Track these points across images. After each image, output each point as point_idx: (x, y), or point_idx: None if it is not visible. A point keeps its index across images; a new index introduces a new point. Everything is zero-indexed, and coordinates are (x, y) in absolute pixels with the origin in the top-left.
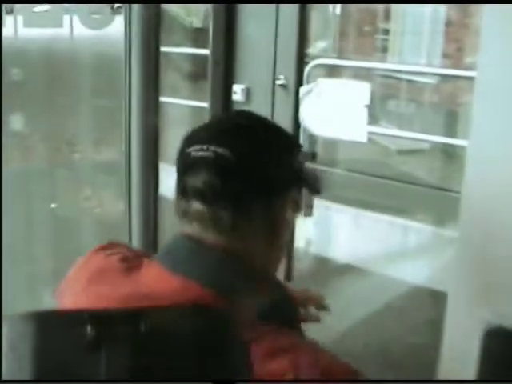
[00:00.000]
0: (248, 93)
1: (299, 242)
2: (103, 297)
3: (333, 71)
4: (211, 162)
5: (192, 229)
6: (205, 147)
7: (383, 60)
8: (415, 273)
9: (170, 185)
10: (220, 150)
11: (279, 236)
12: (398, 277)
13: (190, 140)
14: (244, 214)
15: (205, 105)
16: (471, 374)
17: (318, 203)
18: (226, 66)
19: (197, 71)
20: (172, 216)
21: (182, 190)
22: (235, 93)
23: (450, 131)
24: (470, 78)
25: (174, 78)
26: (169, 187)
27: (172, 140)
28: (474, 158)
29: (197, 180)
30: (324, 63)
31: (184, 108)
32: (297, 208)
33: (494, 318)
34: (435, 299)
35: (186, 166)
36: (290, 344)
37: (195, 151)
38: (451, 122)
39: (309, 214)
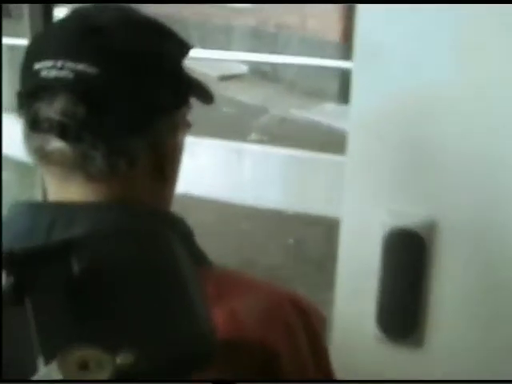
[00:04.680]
0: None
1: None
2: None
3: None
4: (70, 83)
5: (52, 176)
6: (59, 64)
7: None
8: (258, 196)
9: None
10: (81, 66)
11: (172, 166)
12: (242, 202)
13: (37, 51)
14: (124, 150)
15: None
16: (373, 283)
17: None
18: None
19: None
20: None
21: (33, 120)
22: None
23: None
24: None
25: None
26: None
27: None
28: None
29: (51, 109)
30: None
31: None
32: (188, 126)
33: (392, 219)
34: (279, 220)
35: (34, 89)
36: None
37: (46, 69)
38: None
39: None
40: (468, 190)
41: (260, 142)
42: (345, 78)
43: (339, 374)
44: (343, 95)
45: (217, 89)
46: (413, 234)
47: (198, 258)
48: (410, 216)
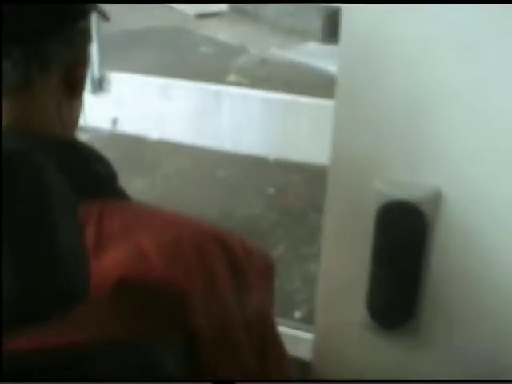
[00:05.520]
0: None
1: (100, 122)
2: None
3: None
4: None
5: None
6: None
7: None
8: (236, 142)
9: None
10: None
11: (81, 80)
12: (220, 148)
13: None
14: (36, 55)
15: None
16: (365, 264)
17: (117, 77)
18: None
19: None
20: None
21: None
22: None
23: None
24: None
25: None
26: None
27: None
28: None
29: None
30: None
31: None
32: (90, 41)
33: (387, 190)
34: (259, 167)
35: None
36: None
37: None
38: None
39: (104, 88)
40: (473, 158)
41: (239, 83)
42: (328, 15)
43: (326, 365)
44: (327, 34)
45: (194, 27)
46: (412, 208)
47: (106, 190)
48: (409, 186)
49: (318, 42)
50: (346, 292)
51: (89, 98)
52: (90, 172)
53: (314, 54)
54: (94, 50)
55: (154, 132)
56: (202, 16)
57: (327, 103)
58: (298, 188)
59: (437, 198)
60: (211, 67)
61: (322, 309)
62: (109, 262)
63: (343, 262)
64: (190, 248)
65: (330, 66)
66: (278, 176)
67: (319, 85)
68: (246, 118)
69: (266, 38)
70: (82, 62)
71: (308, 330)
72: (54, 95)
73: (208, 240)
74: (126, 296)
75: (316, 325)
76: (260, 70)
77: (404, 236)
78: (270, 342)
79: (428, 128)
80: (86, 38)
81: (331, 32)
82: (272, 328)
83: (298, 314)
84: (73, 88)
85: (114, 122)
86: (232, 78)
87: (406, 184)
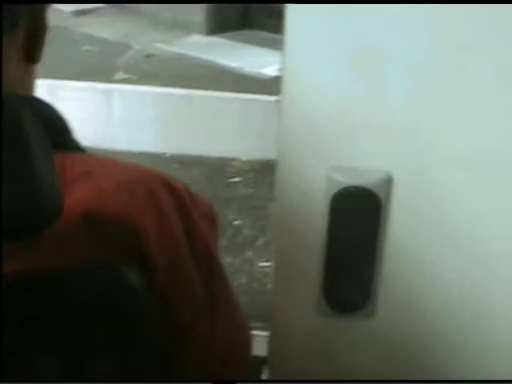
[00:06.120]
0: None
1: None
2: None
3: None
4: None
5: None
6: None
7: None
8: (131, 140)
9: None
10: None
11: (41, 49)
12: (114, 147)
13: None
14: (8, 13)
15: None
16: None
17: None
18: None
19: None
20: None
21: None
22: None
23: None
24: None
25: None
26: None
27: None
28: None
29: None
30: None
31: None
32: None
33: (338, 177)
34: (157, 163)
35: None
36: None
37: None
38: None
39: None
40: (420, 143)
41: (128, 81)
42: (211, 7)
43: (281, 350)
44: (210, 26)
45: (72, 26)
46: (366, 193)
47: (67, 143)
48: (361, 172)
49: (203, 35)
50: (301, 281)
51: None
52: (52, 127)
53: (199, 47)
54: None
55: None
56: (79, 13)
57: (218, 95)
58: (199, 182)
59: (389, 183)
60: (97, 66)
61: (277, 300)
62: (73, 200)
63: (297, 253)
64: (143, 190)
65: (217, 58)
66: (177, 171)
67: (207, 77)
68: (138, 116)
69: (149, 32)
70: (42, 27)
71: None
72: (17, 57)
73: (158, 184)
74: (92, 228)
75: (271, 315)
76: (146, 66)
77: (359, 221)
78: (217, 277)
79: (378, 115)
80: (44, 6)
81: (215, 24)
82: (218, 266)
83: None
84: (32, 53)
85: None
86: (120, 75)
87: (357, 170)
